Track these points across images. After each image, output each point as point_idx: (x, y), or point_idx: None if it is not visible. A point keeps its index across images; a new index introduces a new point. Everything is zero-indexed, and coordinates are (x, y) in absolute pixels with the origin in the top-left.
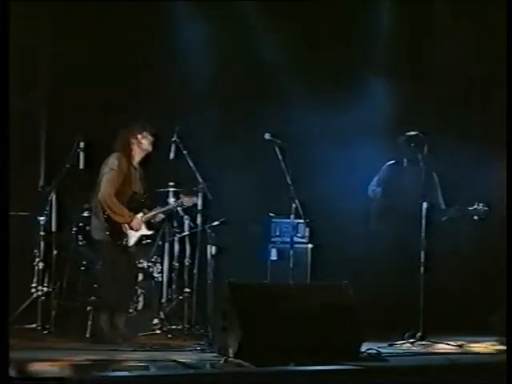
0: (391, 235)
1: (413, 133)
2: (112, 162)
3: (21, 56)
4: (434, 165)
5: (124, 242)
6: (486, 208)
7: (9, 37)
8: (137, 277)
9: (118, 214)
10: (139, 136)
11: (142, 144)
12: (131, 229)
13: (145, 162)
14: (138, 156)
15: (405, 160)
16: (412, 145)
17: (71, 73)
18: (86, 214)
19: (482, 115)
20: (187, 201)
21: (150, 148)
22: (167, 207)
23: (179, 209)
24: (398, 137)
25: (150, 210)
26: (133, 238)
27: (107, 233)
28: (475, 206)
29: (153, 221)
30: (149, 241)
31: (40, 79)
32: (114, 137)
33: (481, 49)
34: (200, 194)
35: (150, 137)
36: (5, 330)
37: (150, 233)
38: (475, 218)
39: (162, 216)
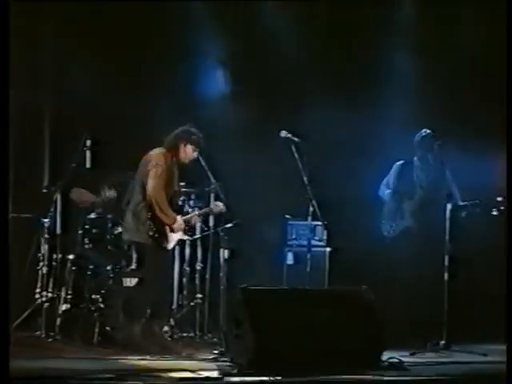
0: (412, 238)
1: (424, 131)
2: (158, 157)
3: (24, 49)
4: (446, 162)
5: (165, 245)
6: (503, 200)
7: (9, 37)
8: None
9: (165, 214)
10: (188, 146)
11: (187, 155)
12: (172, 231)
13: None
14: (182, 160)
15: (415, 159)
16: (425, 142)
17: (77, 67)
18: (92, 215)
19: (498, 109)
20: (216, 208)
21: (188, 161)
22: (203, 210)
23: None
24: (411, 135)
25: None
26: (172, 241)
27: (151, 233)
28: (497, 199)
29: (189, 224)
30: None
31: (45, 74)
32: (121, 135)
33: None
34: (212, 195)
35: (195, 153)
36: (5, 330)
37: (186, 238)
38: (494, 213)
39: (198, 219)
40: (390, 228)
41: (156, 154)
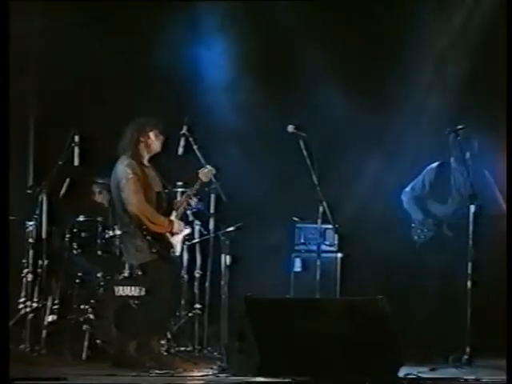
0: (432, 244)
1: (460, 127)
2: (123, 170)
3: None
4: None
5: (172, 254)
6: None
7: (9, 37)
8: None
9: (158, 225)
10: (150, 135)
11: (152, 144)
12: (173, 235)
13: (152, 159)
14: (147, 156)
15: (452, 159)
16: (459, 139)
17: (63, 59)
18: (81, 218)
19: None
20: (205, 174)
21: (159, 149)
22: (193, 188)
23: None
24: (443, 133)
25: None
26: (178, 245)
27: (154, 250)
28: None
29: (188, 212)
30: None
31: (29, 65)
32: (113, 130)
33: None
34: (212, 196)
35: (161, 136)
36: (5, 330)
37: (188, 231)
38: None
39: (192, 201)
40: (420, 233)
41: (121, 169)
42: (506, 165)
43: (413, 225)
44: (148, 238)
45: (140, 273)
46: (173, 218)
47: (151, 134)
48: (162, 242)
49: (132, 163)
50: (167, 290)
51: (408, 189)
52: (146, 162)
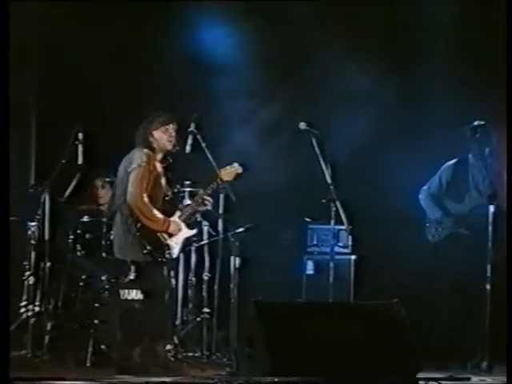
0: (450, 245)
1: (478, 123)
2: (139, 156)
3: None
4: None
5: (167, 256)
6: None
7: (9, 37)
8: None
9: (152, 220)
10: (157, 132)
11: (160, 142)
12: (171, 236)
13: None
14: (160, 152)
15: (470, 156)
16: (477, 136)
17: (65, 55)
18: (85, 218)
19: None
20: (229, 173)
21: (169, 147)
22: (208, 188)
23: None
24: (460, 129)
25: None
26: (176, 246)
27: (145, 251)
28: None
29: (189, 215)
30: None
31: (30, 62)
32: (117, 127)
33: None
34: (221, 196)
35: (172, 133)
36: (5, 330)
37: (193, 232)
38: None
39: (211, 201)
40: (435, 232)
41: (137, 155)
42: (506, 164)
43: (427, 224)
44: (138, 234)
45: (134, 274)
46: (175, 218)
47: (159, 132)
48: (156, 242)
49: (148, 153)
50: (162, 296)
51: (425, 187)
52: (158, 158)
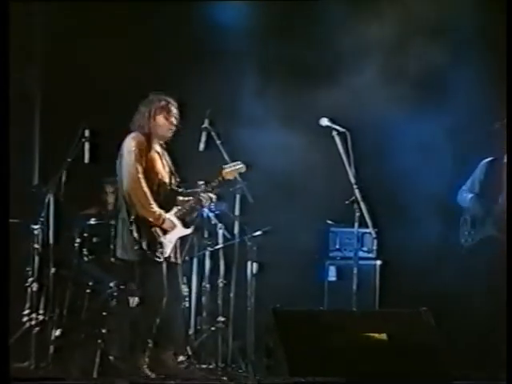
0: (484, 249)
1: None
2: (128, 142)
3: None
4: None
5: (159, 254)
6: None
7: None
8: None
9: (147, 210)
10: (158, 117)
11: (159, 128)
12: (165, 233)
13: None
14: (156, 138)
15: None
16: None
17: (70, 48)
18: (92, 221)
19: None
20: (231, 171)
21: (168, 134)
22: (207, 186)
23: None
24: (492, 125)
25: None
26: (169, 244)
27: (136, 246)
28: None
29: (193, 212)
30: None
31: (35, 56)
32: (127, 123)
33: None
34: (238, 197)
35: (171, 119)
36: (5, 330)
37: (188, 231)
38: None
39: (210, 199)
40: (467, 236)
41: (126, 142)
42: (506, 164)
43: (460, 227)
44: (131, 228)
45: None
46: (171, 214)
47: (160, 117)
48: (149, 237)
49: (139, 137)
50: (160, 297)
51: (463, 188)
52: (156, 144)
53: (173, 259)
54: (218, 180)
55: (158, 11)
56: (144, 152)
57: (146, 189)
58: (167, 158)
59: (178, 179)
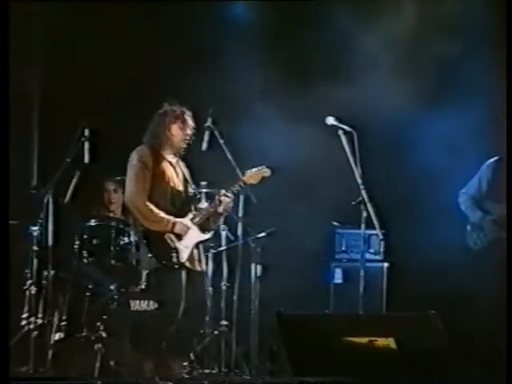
0: (491, 251)
1: None
2: (131, 156)
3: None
4: None
5: (174, 260)
6: None
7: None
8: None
9: (152, 221)
10: (172, 127)
11: (173, 138)
12: (180, 239)
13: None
14: (169, 149)
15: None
16: None
17: (70, 48)
18: (92, 222)
19: None
20: (255, 175)
21: (183, 144)
22: (228, 191)
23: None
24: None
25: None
26: (185, 250)
27: (150, 255)
28: None
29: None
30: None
31: (35, 56)
32: (128, 122)
33: None
34: (241, 197)
35: (187, 130)
36: (5, 330)
37: (207, 237)
38: None
39: (230, 201)
40: (476, 238)
41: (131, 156)
42: (506, 164)
43: (468, 229)
44: (145, 240)
45: (145, 283)
46: (183, 219)
47: (174, 127)
48: (162, 246)
49: (143, 150)
50: (176, 307)
51: (464, 189)
52: (167, 154)
53: (198, 267)
54: (239, 185)
55: (157, 11)
56: (150, 163)
57: (147, 202)
58: (182, 166)
59: (193, 186)
